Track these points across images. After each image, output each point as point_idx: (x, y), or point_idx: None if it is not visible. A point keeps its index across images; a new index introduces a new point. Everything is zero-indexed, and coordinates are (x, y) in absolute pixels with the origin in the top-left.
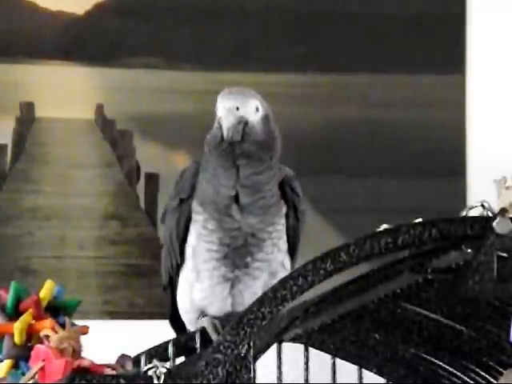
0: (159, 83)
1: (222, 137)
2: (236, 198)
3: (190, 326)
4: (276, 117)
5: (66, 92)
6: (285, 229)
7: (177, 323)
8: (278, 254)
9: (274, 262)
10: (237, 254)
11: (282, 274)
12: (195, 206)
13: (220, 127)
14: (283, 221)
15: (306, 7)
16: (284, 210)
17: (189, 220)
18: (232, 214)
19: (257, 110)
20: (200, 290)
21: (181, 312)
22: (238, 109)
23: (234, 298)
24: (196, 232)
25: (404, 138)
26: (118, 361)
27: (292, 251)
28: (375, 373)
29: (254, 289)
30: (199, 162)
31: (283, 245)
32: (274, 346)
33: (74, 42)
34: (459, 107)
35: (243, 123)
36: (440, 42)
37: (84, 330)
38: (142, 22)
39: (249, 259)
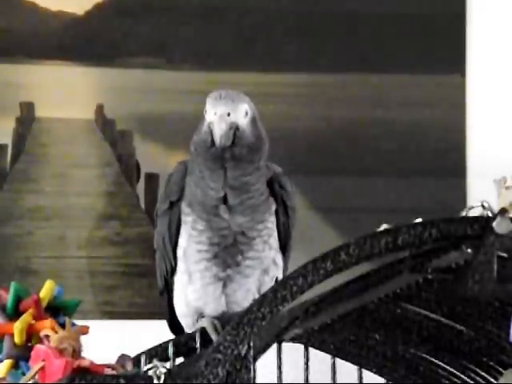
0: (159, 83)
1: (213, 141)
2: (224, 199)
3: (189, 330)
4: (276, 117)
5: (66, 92)
6: (275, 226)
7: (176, 327)
8: (269, 251)
9: (266, 260)
10: (227, 254)
11: (274, 271)
12: (184, 207)
13: (210, 132)
14: (273, 218)
15: (306, 7)
16: (273, 207)
17: (180, 222)
18: (220, 214)
19: (246, 114)
20: (193, 292)
21: (178, 316)
22: (229, 115)
23: (227, 297)
24: (186, 233)
25: (404, 138)
26: (118, 361)
27: (284, 248)
28: (375, 373)
29: (247, 287)
30: (186, 163)
31: (274, 242)
32: (274, 346)
33: (74, 42)
34: (459, 107)
35: (234, 128)
36: (440, 41)
37: (84, 330)
38: (142, 22)
39: (240, 258)
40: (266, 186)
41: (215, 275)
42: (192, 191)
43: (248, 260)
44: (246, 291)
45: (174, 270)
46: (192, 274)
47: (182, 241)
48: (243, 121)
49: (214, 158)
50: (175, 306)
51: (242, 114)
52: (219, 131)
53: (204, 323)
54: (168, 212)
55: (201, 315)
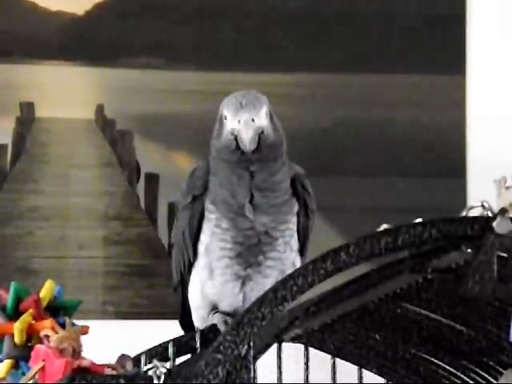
0: (159, 83)
1: (237, 147)
2: (250, 198)
3: (200, 323)
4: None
5: (66, 92)
6: (296, 227)
7: (186, 324)
8: (290, 253)
9: (286, 261)
10: (250, 253)
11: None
12: (208, 204)
13: (234, 138)
14: (295, 219)
15: (306, 7)
16: (296, 207)
17: (201, 217)
18: (245, 214)
19: (266, 115)
20: (212, 287)
21: (192, 309)
22: (253, 120)
23: (245, 296)
24: (209, 230)
25: (404, 138)
26: (118, 361)
27: (302, 250)
28: (375, 373)
29: (264, 286)
30: (208, 162)
31: (295, 244)
32: (274, 346)
33: (74, 42)
34: (459, 107)
35: (259, 133)
36: (440, 42)
37: (84, 330)
38: (142, 22)
39: (261, 258)
40: (289, 185)
41: (236, 273)
42: (216, 191)
43: (269, 260)
44: (264, 291)
45: (191, 265)
46: (213, 271)
47: (205, 237)
48: (265, 122)
49: (240, 162)
50: (190, 298)
51: (263, 116)
52: (247, 137)
53: (215, 319)
54: (190, 206)
55: (214, 311)
